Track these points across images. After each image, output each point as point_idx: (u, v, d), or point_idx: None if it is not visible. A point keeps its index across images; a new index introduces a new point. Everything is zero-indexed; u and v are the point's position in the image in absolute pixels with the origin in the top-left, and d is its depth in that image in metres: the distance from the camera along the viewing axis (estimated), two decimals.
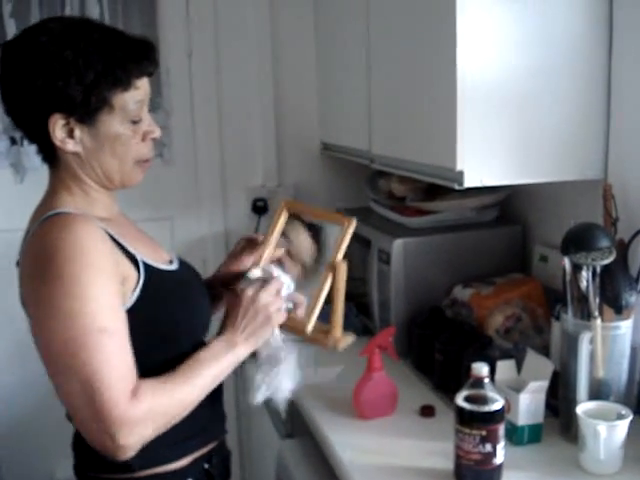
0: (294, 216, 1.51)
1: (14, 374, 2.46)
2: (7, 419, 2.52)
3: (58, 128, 1.23)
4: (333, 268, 1.38)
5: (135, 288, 1.25)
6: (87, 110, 1.22)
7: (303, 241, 1.55)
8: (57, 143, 1.24)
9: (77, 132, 1.24)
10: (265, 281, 1.36)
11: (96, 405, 1.13)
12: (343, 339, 1.38)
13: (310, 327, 1.37)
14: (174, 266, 1.41)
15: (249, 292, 1.34)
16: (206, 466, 1.40)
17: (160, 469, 1.32)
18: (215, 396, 1.37)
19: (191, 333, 1.35)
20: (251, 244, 1.52)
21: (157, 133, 1.31)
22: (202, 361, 1.27)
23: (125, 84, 1.23)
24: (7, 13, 2.34)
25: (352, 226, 1.40)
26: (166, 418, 1.21)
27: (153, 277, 1.28)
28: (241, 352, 1.31)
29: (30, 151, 2.33)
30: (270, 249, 1.46)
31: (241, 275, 1.42)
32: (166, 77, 2.53)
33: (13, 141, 2.41)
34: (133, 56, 1.24)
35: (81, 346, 1.14)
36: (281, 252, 1.49)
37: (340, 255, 1.39)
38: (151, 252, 1.36)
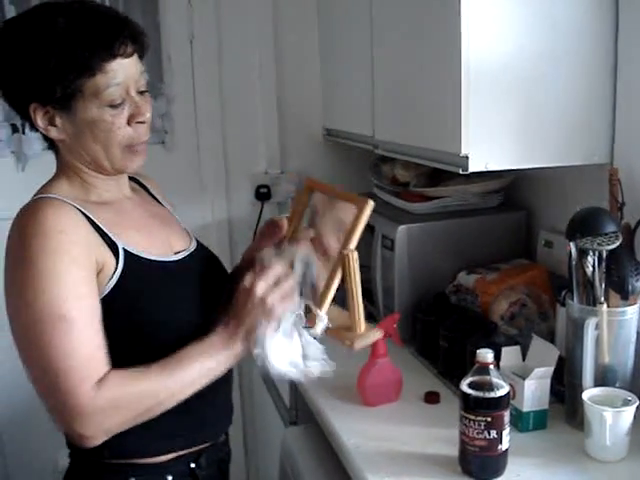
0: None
1: (16, 363, 2.46)
2: (9, 409, 2.52)
3: (39, 117, 1.23)
4: (342, 259, 1.23)
5: (112, 276, 1.22)
6: (59, 98, 1.20)
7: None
8: (42, 131, 1.24)
9: (57, 120, 1.23)
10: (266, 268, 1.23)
11: (55, 393, 1.14)
12: (360, 339, 1.27)
13: (319, 330, 1.25)
14: (176, 257, 1.36)
15: (246, 282, 1.23)
16: (192, 466, 1.36)
17: (136, 460, 1.30)
18: (213, 398, 1.34)
19: (170, 328, 1.27)
20: (273, 227, 1.37)
21: (144, 116, 1.26)
22: (192, 354, 1.22)
23: (91, 70, 1.18)
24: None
25: (368, 210, 1.24)
26: (136, 410, 1.18)
27: (133, 266, 1.25)
28: (239, 349, 1.24)
29: (31, 139, 2.35)
30: (291, 231, 1.34)
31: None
32: (167, 63, 2.51)
33: (14, 129, 2.40)
34: (101, 39, 1.19)
35: (40, 333, 1.14)
36: (308, 234, 1.31)
37: (352, 243, 1.24)
38: (149, 241, 1.32)
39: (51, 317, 1.13)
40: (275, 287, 1.22)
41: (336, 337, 1.28)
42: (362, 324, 1.28)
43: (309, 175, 2.62)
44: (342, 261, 1.24)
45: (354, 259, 1.24)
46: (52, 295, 1.14)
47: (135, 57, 1.25)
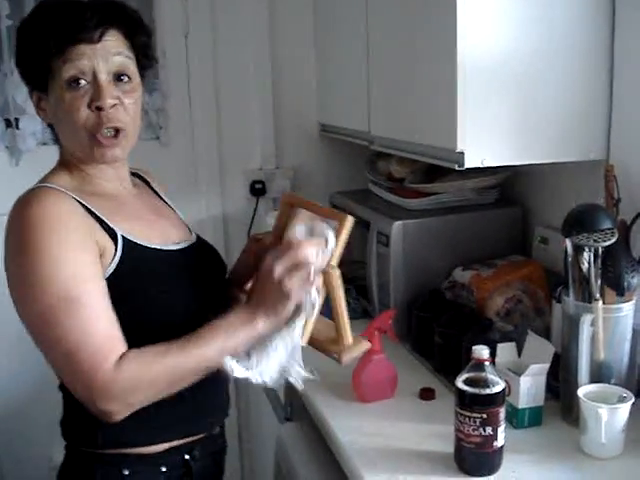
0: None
1: (10, 359, 2.45)
2: (4, 404, 2.51)
3: (34, 101, 1.32)
4: (325, 277, 1.20)
5: (111, 262, 1.24)
6: (34, 79, 1.29)
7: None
8: (37, 114, 1.34)
9: (43, 103, 1.31)
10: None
11: (77, 373, 1.16)
12: (347, 352, 1.27)
13: (304, 341, 1.24)
14: (174, 247, 1.38)
15: (267, 263, 1.20)
16: (186, 457, 1.38)
17: (128, 450, 1.31)
18: (208, 390, 1.33)
19: (167, 314, 1.28)
20: (259, 245, 1.41)
21: (100, 101, 1.25)
22: (212, 333, 1.21)
23: (49, 51, 1.24)
24: None
25: (348, 226, 1.21)
26: (157, 386, 1.19)
27: (132, 253, 1.27)
28: (260, 326, 1.20)
29: (25, 134, 2.34)
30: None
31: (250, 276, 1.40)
32: (162, 59, 2.50)
33: (8, 124, 2.39)
34: (64, 25, 1.24)
35: (55, 315, 1.16)
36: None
37: (334, 260, 1.21)
38: (148, 231, 1.34)
39: (64, 300, 1.15)
40: (294, 271, 1.18)
41: (323, 351, 1.29)
42: (349, 337, 1.27)
43: (304, 171, 2.65)
44: (325, 279, 1.21)
45: (336, 276, 1.21)
46: (62, 279, 1.16)
47: (108, 43, 1.26)
